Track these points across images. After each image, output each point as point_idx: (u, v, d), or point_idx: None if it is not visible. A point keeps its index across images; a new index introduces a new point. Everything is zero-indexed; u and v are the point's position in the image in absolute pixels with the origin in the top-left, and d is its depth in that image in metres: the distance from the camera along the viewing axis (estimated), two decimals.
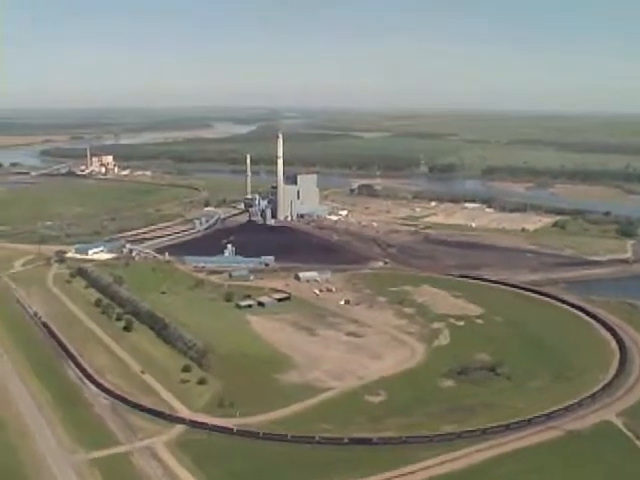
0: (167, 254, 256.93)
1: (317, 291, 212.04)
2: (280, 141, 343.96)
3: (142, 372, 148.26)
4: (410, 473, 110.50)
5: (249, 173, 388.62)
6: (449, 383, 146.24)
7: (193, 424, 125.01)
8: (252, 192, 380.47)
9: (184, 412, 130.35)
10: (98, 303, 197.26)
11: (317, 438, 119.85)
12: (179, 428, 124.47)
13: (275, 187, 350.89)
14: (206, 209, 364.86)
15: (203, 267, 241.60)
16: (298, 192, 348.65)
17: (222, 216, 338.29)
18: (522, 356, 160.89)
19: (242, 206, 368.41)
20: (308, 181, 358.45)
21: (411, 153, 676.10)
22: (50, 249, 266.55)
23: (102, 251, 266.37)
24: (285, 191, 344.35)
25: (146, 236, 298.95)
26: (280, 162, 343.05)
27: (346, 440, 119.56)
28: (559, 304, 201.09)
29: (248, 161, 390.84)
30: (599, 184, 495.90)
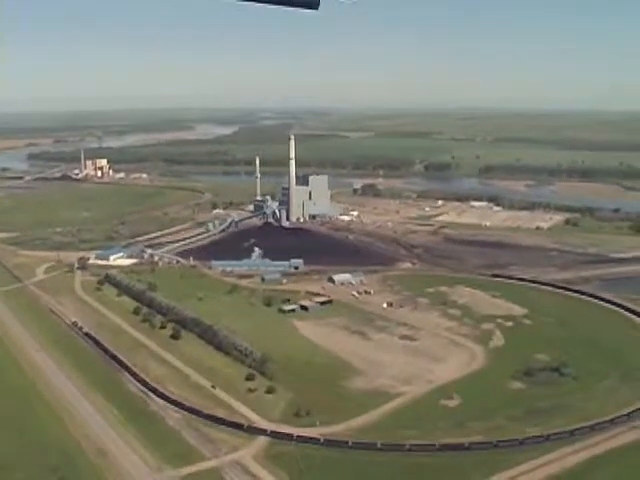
0: (192, 259, 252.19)
1: (356, 293, 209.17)
2: (292, 142, 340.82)
3: (213, 387, 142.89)
4: (511, 478, 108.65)
5: (258, 175, 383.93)
6: (519, 385, 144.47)
7: (276, 435, 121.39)
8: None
9: (262, 423, 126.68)
10: (137, 311, 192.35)
11: (408, 445, 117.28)
12: (262, 440, 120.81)
13: (286, 188, 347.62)
14: (215, 211, 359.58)
15: (231, 271, 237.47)
16: (310, 193, 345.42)
17: (236, 219, 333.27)
18: (581, 356, 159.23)
19: (252, 208, 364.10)
20: (319, 182, 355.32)
21: (402, 152, 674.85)
22: (67, 255, 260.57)
23: (123, 257, 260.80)
24: (297, 192, 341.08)
25: (162, 240, 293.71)
26: (292, 163, 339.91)
27: (437, 446, 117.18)
28: (600, 302, 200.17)
29: (257, 163, 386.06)
30: (597, 181, 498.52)
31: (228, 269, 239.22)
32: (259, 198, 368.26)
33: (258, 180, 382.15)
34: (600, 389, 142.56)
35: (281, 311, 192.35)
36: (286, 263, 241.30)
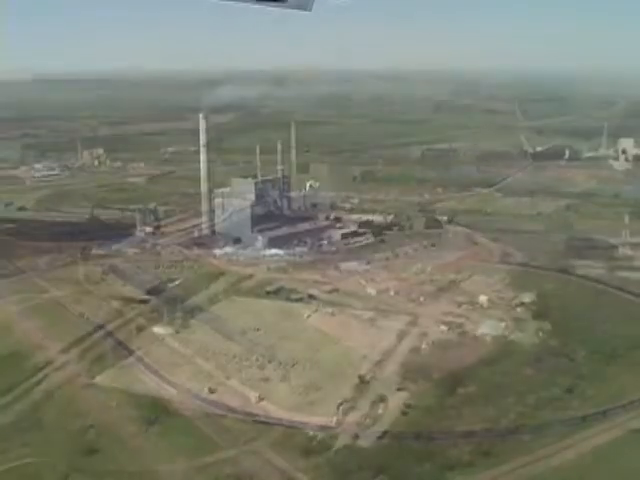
0: (195, 247, 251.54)
1: (363, 282, 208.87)
2: (293, 129, 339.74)
3: (227, 378, 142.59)
4: (528, 464, 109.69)
5: (259, 163, 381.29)
6: (530, 371, 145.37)
7: (292, 424, 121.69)
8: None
9: (278, 412, 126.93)
10: (145, 301, 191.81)
11: (425, 432, 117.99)
12: (278, 429, 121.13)
13: (286, 176, 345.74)
14: (216, 200, 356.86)
15: (236, 260, 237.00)
16: (310, 181, 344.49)
17: (237, 207, 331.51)
18: (589, 341, 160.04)
19: (253, 196, 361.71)
20: (319, 169, 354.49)
21: (399, 138, 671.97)
22: (70, 245, 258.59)
23: (125, 246, 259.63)
24: (297, 180, 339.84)
25: (164, 230, 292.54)
26: (293, 151, 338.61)
27: (457, 432, 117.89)
28: (605, 288, 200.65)
29: (257, 151, 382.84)
30: (594, 167, 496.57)
31: (233, 257, 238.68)
32: (260, 186, 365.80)
33: (258, 168, 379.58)
34: (609, 374, 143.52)
35: (288, 300, 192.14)
36: (290, 252, 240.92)
